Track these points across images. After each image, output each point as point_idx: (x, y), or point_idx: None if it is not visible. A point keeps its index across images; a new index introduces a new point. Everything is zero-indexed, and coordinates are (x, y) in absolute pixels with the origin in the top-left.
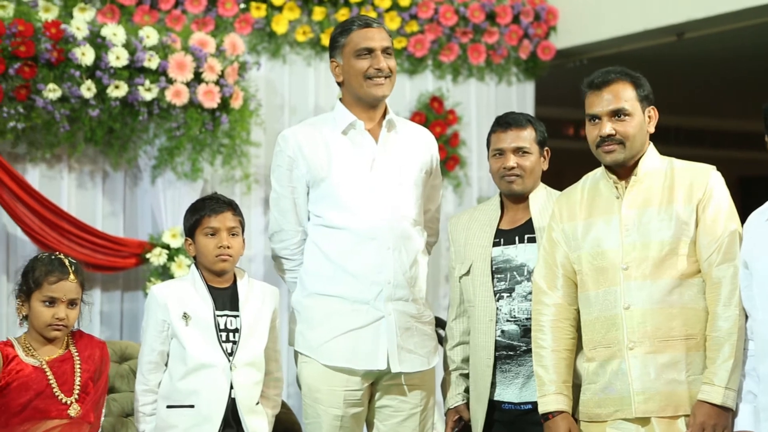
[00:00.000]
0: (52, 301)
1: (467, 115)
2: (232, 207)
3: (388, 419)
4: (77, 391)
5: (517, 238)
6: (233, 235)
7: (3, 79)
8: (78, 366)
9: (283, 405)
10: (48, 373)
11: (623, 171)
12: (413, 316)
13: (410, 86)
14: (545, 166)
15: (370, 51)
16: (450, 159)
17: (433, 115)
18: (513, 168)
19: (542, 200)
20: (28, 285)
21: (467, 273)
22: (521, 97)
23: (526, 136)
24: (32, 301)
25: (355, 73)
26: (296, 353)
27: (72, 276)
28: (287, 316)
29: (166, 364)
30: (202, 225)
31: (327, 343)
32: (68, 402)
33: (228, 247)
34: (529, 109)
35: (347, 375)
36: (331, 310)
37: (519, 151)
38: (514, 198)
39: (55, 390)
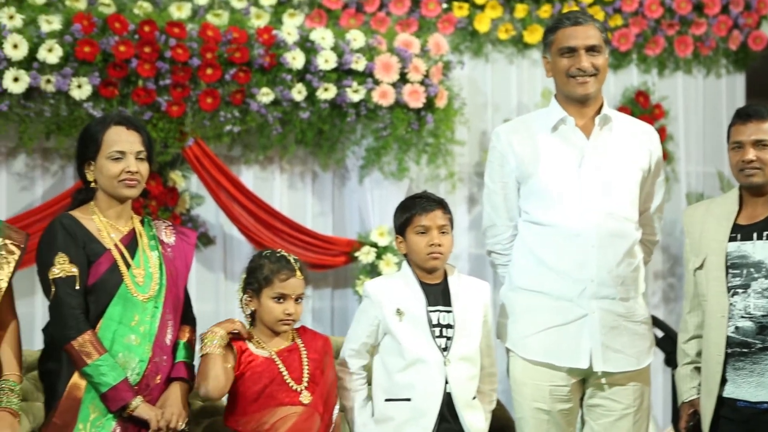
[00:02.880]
0: (282, 297)
1: (674, 109)
2: (442, 205)
3: (601, 418)
4: (306, 380)
5: (755, 234)
6: (443, 233)
7: (220, 84)
8: (305, 356)
9: (498, 401)
10: (278, 362)
11: None
12: (621, 314)
13: (614, 81)
14: None
15: (572, 50)
16: None
17: (639, 109)
18: (752, 161)
19: None
20: (258, 282)
21: (701, 267)
22: (731, 89)
23: (767, 129)
24: (262, 298)
25: (558, 71)
26: (507, 347)
27: (298, 273)
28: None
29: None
30: (413, 223)
31: (528, 337)
32: (299, 389)
33: (439, 245)
34: (740, 101)
35: (550, 370)
36: (534, 304)
37: (759, 143)
38: (753, 192)
39: (285, 377)
